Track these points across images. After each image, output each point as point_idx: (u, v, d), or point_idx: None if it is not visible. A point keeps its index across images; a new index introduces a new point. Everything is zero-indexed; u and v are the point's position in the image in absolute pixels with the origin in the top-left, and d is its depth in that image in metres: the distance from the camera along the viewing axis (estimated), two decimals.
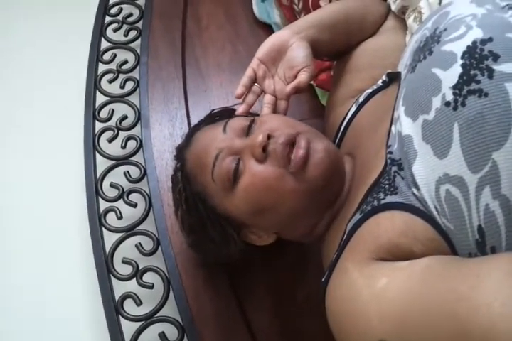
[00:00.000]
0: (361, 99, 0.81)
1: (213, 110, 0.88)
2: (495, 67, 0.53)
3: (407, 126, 0.60)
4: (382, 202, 0.60)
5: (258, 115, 0.80)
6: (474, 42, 0.56)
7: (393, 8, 0.88)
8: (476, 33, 0.57)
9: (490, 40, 0.55)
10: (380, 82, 0.80)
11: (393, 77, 0.76)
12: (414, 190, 0.57)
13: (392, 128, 0.64)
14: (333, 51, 0.89)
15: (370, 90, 0.81)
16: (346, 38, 0.87)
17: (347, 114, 0.83)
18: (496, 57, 0.54)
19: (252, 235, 0.76)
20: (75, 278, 1.05)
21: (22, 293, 1.06)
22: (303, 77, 0.77)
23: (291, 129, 0.71)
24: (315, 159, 0.69)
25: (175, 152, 0.84)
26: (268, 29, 1.22)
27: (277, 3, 1.15)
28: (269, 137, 0.70)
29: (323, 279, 0.64)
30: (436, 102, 0.56)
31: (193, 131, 0.81)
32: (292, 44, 0.79)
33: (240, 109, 0.81)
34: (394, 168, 0.61)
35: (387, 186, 0.61)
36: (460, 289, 0.46)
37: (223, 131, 0.74)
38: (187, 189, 0.76)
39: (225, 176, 0.70)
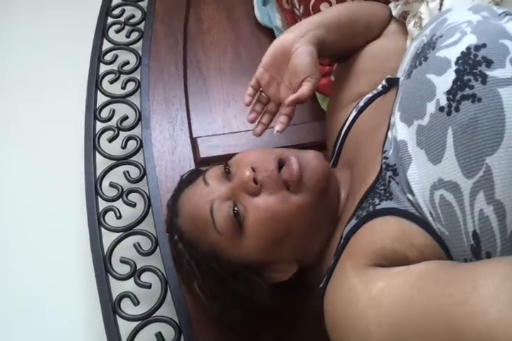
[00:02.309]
0: (361, 103, 0.81)
1: (182, 176, 0.84)
2: (488, 72, 0.54)
3: (402, 131, 0.61)
4: (378, 207, 0.60)
5: (229, 159, 0.77)
6: (468, 48, 0.57)
7: (394, 13, 0.89)
8: (471, 39, 0.58)
9: (484, 46, 0.56)
10: (379, 87, 0.80)
11: (392, 82, 0.77)
12: (409, 196, 0.58)
13: (389, 133, 0.65)
14: (337, 52, 0.89)
15: (370, 95, 0.81)
16: (350, 39, 0.87)
17: (347, 118, 0.83)
18: (489, 63, 0.54)
19: (274, 274, 0.72)
20: (73, 277, 1.05)
21: (19, 291, 1.06)
22: (305, 88, 0.75)
23: (271, 156, 0.70)
24: (310, 169, 0.68)
25: (165, 226, 0.80)
26: (269, 33, 1.23)
27: (279, 7, 1.16)
28: (253, 169, 0.68)
29: (321, 285, 0.64)
30: (431, 107, 0.57)
31: (174, 200, 0.77)
32: (296, 50, 0.77)
33: (249, 117, 0.82)
34: (389, 173, 0.61)
35: (382, 191, 0.61)
36: (456, 294, 0.47)
37: (205, 185, 0.72)
38: (194, 255, 0.71)
39: (229, 223, 0.67)
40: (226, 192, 0.69)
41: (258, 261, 0.70)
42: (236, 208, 0.67)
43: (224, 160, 0.77)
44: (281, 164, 0.69)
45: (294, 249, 0.71)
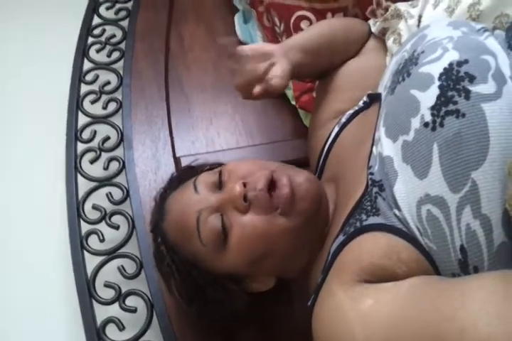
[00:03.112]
0: (343, 119, 0.82)
1: (173, 173, 0.85)
2: (471, 88, 0.55)
3: (387, 147, 0.61)
4: (365, 223, 0.60)
5: (221, 165, 0.78)
6: (451, 64, 0.58)
7: (373, 29, 0.90)
8: (453, 55, 0.58)
9: (466, 62, 0.57)
10: (361, 103, 0.80)
11: (374, 98, 0.77)
12: (396, 211, 0.58)
13: (374, 149, 0.65)
14: (316, 73, 0.90)
15: (351, 111, 0.81)
16: (330, 60, 0.88)
17: (330, 135, 0.83)
18: (472, 79, 0.55)
19: (253, 283, 0.72)
20: (56, 302, 1.02)
21: (1, 316, 1.03)
22: (276, 81, 0.75)
23: (263, 170, 0.69)
24: (301, 192, 0.67)
25: (150, 227, 0.80)
26: None
27: (260, 24, 1.17)
28: (244, 185, 0.68)
29: (309, 303, 0.64)
30: (415, 123, 0.57)
31: (162, 199, 0.77)
32: (277, 61, 0.77)
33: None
34: (375, 189, 0.61)
35: (369, 207, 0.61)
36: (445, 309, 0.47)
37: (195, 191, 0.71)
38: (176, 260, 0.71)
39: (214, 236, 0.67)
40: (215, 204, 0.69)
41: (237, 273, 0.70)
42: (223, 222, 0.67)
43: (215, 165, 0.78)
44: (272, 182, 0.68)
45: (275, 267, 0.71)
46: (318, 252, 0.71)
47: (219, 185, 0.71)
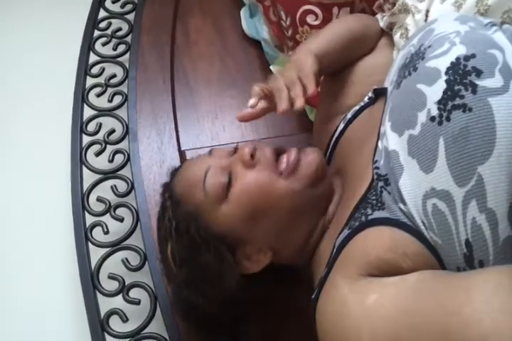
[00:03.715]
0: (349, 115, 0.81)
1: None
2: (478, 82, 0.54)
3: (393, 141, 0.61)
4: (370, 217, 0.60)
5: None
6: (458, 59, 0.57)
7: (381, 24, 0.90)
8: (460, 50, 0.58)
9: (473, 56, 0.57)
10: (366, 99, 0.80)
11: (379, 93, 0.77)
12: (401, 205, 0.58)
13: (379, 143, 0.65)
14: (331, 73, 0.89)
15: (357, 107, 0.81)
16: (347, 59, 0.87)
17: (335, 131, 0.83)
18: (478, 73, 0.55)
19: (245, 261, 0.72)
20: (60, 293, 1.03)
21: (5, 307, 1.04)
22: (298, 104, 0.71)
23: (272, 147, 0.74)
24: (307, 159, 0.71)
25: (162, 188, 0.81)
26: (257, 44, 1.23)
27: (266, 19, 1.16)
28: (255, 149, 0.72)
29: (313, 296, 0.64)
30: (422, 117, 0.57)
31: (178, 167, 0.82)
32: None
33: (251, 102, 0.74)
34: (380, 183, 0.61)
35: (374, 201, 0.61)
36: (450, 304, 0.47)
37: (209, 155, 0.76)
38: (177, 214, 0.73)
39: (218, 188, 0.70)
40: (225, 164, 0.73)
41: (233, 234, 0.71)
42: (229, 176, 0.71)
43: None
44: (281, 152, 0.73)
45: (271, 234, 0.72)
46: (316, 239, 0.73)
47: (234, 153, 0.75)
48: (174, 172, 0.80)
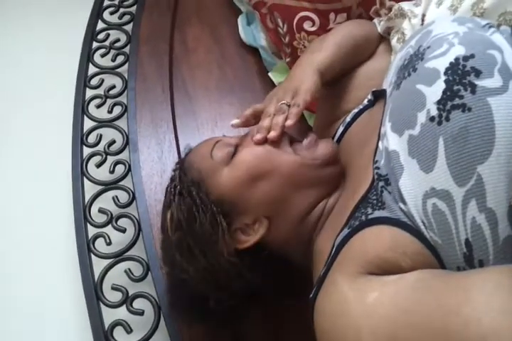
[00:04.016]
0: (348, 119, 0.82)
1: None
2: (477, 82, 0.55)
3: (393, 141, 0.61)
4: (370, 216, 0.60)
5: None
6: (457, 59, 0.58)
7: (378, 29, 0.90)
8: (459, 50, 0.59)
9: (472, 56, 0.57)
10: (365, 101, 0.81)
11: (378, 95, 0.77)
12: (401, 205, 0.58)
13: (380, 144, 0.65)
14: (331, 81, 0.88)
15: (356, 110, 0.81)
16: (348, 68, 0.88)
17: (335, 134, 0.83)
18: (478, 73, 0.55)
19: (240, 234, 0.71)
20: (64, 306, 1.03)
21: (10, 320, 1.03)
22: (271, 134, 0.73)
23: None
24: (324, 143, 0.75)
25: (175, 165, 0.83)
26: (254, 52, 1.23)
27: (263, 26, 1.17)
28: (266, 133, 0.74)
29: (311, 295, 0.63)
30: (421, 117, 0.57)
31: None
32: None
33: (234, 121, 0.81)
34: (381, 183, 0.61)
35: (374, 201, 0.61)
36: (449, 304, 0.46)
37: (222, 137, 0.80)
38: (183, 180, 0.75)
39: (224, 153, 0.73)
40: (236, 140, 0.77)
41: (231, 198, 0.71)
42: (236, 145, 0.75)
43: None
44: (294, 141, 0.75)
45: (268, 201, 0.72)
46: (313, 220, 0.73)
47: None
48: (189, 152, 0.82)
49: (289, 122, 0.73)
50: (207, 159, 0.74)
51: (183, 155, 1.05)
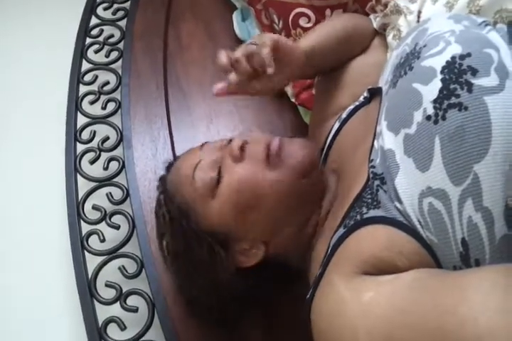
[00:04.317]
0: (344, 115, 0.82)
1: None
2: (474, 81, 0.54)
3: (389, 140, 0.61)
4: (365, 216, 0.60)
5: None
6: (453, 58, 0.57)
7: (374, 25, 0.90)
8: (455, 49, 0.58)
9: (468, 55, 0.57)
10: (361, 98, 0.81)
11: (374, 93, 0.77)
12: (397, 204, 0.57)
13: (375, 143, 0.65)
14: (322, 72, 0.90)
15: (352, 107, 0.81)
16: (338, 57, 0.88)
17: (330, 131, 0.83)
18: (474, 72, 0.55)
19: (239, 256, 0.73)
20: (57, 302, 1.02)
21: (3, 317, 1.03)
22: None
23: (266, 136, 0.75)
24: (291, 148, 0.72)
25: (158, 181, 0.83)
26: None
27: (258, 22, 1.16)
28: (246, 142, 0.73)
29: (307, 296, 0.63)
30: (418, 116, 0.57)
31: (175, 160, 0.83)
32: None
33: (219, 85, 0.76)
34: (376, 182, 0.61)
35: (369, 200, 0.61)
36: (446, 303, 0.46)
37: (200, 149, 0.77)
38: (170, 208, 0.75)
39: (206, 182, 0.71)
40: (215, 157, 0.73)
41: (224, 230, 0.71)
42: (218, 170, 0.72)
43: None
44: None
45: (262, 228, 0.72)
46: (309, 233, 0.73)
47: (226, 146, 0.75)
48: (169, 166, 0.81)
49: (270, 70, 0.69)
50: (190, 188, 0.72)
51: (177, 152, 1.06)
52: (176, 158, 0.85)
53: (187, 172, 0.73)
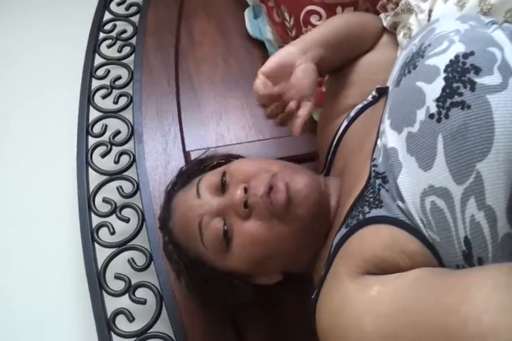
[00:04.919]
0: (352, 113, 0.82)
1: (182, 168, 0.87)
2: (477, 79, 0.54)
3: (392, 139, 0.61)
4: (367, 215, 0.60)
5: (229, 158, 0.82)
6: (457, 56, 0.57)
7: (385, 24, 0.90)
8: (459, 48, 0.58)
9: (472, 53, 0.57)
10: (370, 97, 0.80)
11: (382, 92, 0.77)
12: (399, 203, 0.57)
13: (378, 141, 0.65)
14: (332, 68, 0.89)
15: (360, 105, 0.81)
16: (347, 54, 0.88)
17: (339, 129, 0.83)
18: (477, 70, 0.55)
19: (260, 278, 0.76)
20: (67, 294, 1.04)
21: (13, 307, 1.04)
22: (306, 110, 0.75)
23: (265, 173, 0.71)
24: (299, 199, 0.69)
25: (159, 223, 0.83)
26: (261, 45, 1.23)
27: (270, 19, 1.17)
28: (245, 190, 0.70)
29: (312, 296, 0.64)
30: (421, 115, 0.57)
31: (169, 197, 0.81)
32: (301, 65, 0.77)
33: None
34: (378, 181, 0.61)
35: (371, 199, 0.61)
36: (449, 302, 0.46)
37: (197, 195, 0.74)
38: (182, 258, 0.76)
39: (216, 241, 0.71)
40: (217, 209, 0.71)
41: (242, 272, 0.74)
42: (225, 227, 0.70)
43: (222, 161, 0.81)
44: (271, 187, 0.70)
45: (279, 266, 0.75)
46: (322, 246, 0.73)
47: (222, 188, 0.73)
48: (167, 204, 0.80)
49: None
50: (200, 246, 0.72)
51: (187, 147, 1.07)
52: (170, 194, 0.81)
53: (192, 229, 0.72)
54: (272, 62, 0.77)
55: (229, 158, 0.84)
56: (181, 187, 0.79)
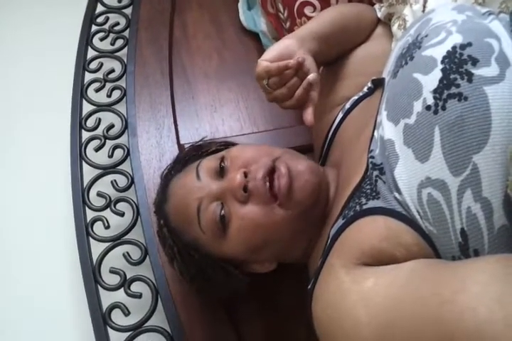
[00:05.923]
0: (348, 105, 0.82)
1: (179, 154, 0.87)
2: (474, 71, 0.54)
3: (389, 130, 0.61)
4: (364, 207, 0.60)
5: (227, 145, 0.81)
6: (454, 47, 0.57)
7: (379, 15, 0.89)
8: (456, 38, 0.58)
9: (469, 44, 0.56)
10: (365, 89, 0.80)
11: (378, 84, 0.77)
12: (396, 194, 0.57)
13: (375, 133, 0.65)
14: (327, 60, 0.89)
15: (356, 97, 0.81)
16: (342, 46, 0.88)
17: (334, 121, 0.83)
18: (474, 62, 0.55)
19: (254, 265, 0.76)
20: (62, 288, 1.04)
21: (7, 302, 1.04)
22: (314, 97, 0.74)
23: (266, 158, 0.71)
24: (300, 182, 0.68)
25: (154, 208, 0.81)
26: (255, 37, 1.22)
27: (263, 11, 1.16)
28: (245, 174, 0.69)
29: (309, 286, 0.64)
30: (418, 106, 0.57)
31: (166, 181, 0.79)
32: (300, 56, 0.75)
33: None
34: (375, 173, 0.61)
35: (368, 191, 0.61)
36: (445, 293, 0.46)
37: (197, 178, 0.73)
38: (177, 242, 0.74)
39: (214, 225, 0.70)
40: (215, 192, 0.71)
41: (237, 258, 0.73)
42: (223, 211, 0.69)
43: (221, 147, 0.80)
44: (273, 170, 0.69)
45: (274, 254, 0.74)
46: (318, 235, 0.73)
47: (221, 172, 0.72)
48: (163, 189, 0.78)
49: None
50: (197, 230, 0.71)
51: (181, 140, 1.07)
52: (167, 178, 0.80)
53: (190, 212, 0.71)
54: (272, 51, 0.76)
55: (227, 144, 0.83)
56: (179, 172, 0.78)
